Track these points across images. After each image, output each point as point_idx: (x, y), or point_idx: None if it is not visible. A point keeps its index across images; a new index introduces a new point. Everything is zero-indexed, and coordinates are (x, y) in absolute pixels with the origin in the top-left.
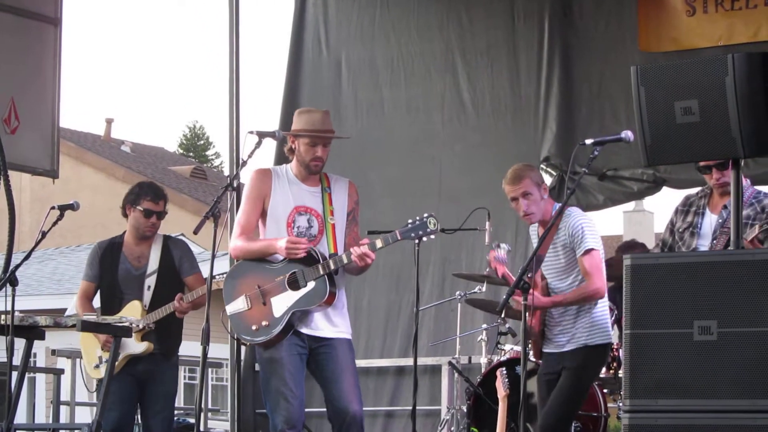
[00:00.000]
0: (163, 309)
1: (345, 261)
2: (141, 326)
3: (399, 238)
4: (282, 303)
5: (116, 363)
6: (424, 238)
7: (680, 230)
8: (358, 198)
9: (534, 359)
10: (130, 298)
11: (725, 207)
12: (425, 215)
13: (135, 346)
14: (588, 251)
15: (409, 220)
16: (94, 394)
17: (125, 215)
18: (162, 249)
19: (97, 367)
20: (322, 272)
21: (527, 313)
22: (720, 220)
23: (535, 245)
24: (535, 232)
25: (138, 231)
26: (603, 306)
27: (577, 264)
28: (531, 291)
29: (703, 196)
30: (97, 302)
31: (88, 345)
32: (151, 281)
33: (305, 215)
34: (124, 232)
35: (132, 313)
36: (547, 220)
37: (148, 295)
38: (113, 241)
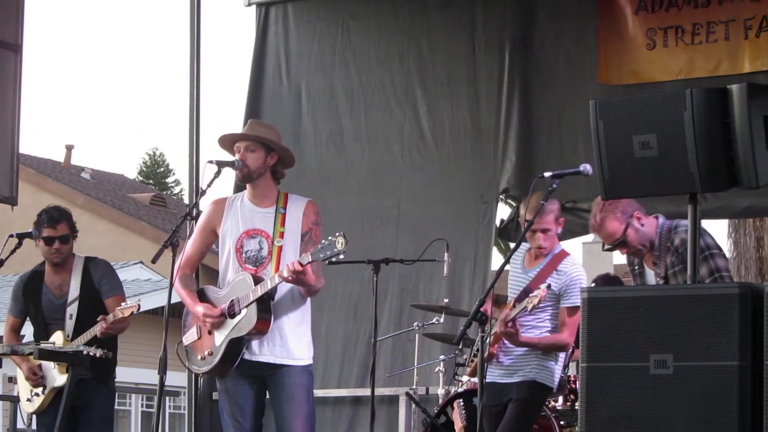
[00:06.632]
0: (86, 335)
1: (276, 281)
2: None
3: (310, 259)
4: (222, 332)
5: (44, 399)
6: (334, 258)
7: None
8: (316, 218)
9: (468, 376)
10: (54, 328)
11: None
12: (336, 234)
13: (58, 378)
14: (576, 308)
15: (323, 240)
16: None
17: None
18: (82, 274)
19: (29, 400)
20: (252, 299)
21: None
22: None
23: (517, 271)
24: (521, 257)
25: (47, 260)
26: (557, 355)
27: (551, 307)
28: (516, 328)
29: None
30: None
31: (23, 378)
32: (72, 309)
33: (256, 238)
34: (45, 261)
35: (56, 343)
36: (542, 253)
37: (70, 324)
38: (35, 271)
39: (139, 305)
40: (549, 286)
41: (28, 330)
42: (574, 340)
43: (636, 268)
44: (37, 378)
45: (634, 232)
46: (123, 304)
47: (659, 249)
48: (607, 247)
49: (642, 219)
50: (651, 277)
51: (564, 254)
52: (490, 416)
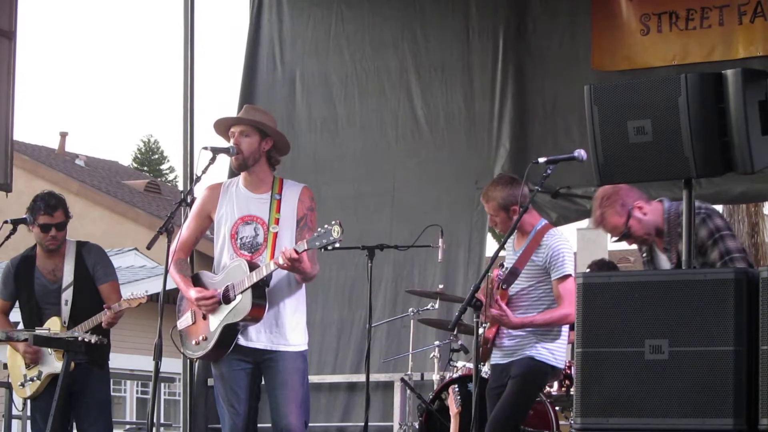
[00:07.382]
0: (88, 323)
1: (272, 268)
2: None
3: (306, 247)
4: (217, 317)
5: (40, 384)
6: (329, 247)
7: None
8: (312, 204)
9: (482, 362)
10: (49, 314)
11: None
12: (332, 222)
13: (55, 364)
14: (565, 277)
15: (319, 228)
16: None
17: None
18: (76, 259)
19: (22, 386)
20: (247, 285)
21: (486, 324)
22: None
23: (509, 253)
24: (512, 239)
25: (42, 247)
26: (558, 331)
27: (543, 283)
28: (504, 309)
29: None
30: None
31: (14, 363)
32: (67, 295)
33: (251, 224)
34: (35, 245)
35: (52, 329)
36: (526, 231)
37: (66, 310)
38: (25, 256)
39: (146, 296)
40: (501, 265)
41: (15, 317)
42: (573, 310)
43: (645, 255)
44: (33, 352)
45: (637, 223)
46: (131, 294)
47: (669, 234)
48: (614, 239)
49: (644, 208)
50: (664, 261)
51: (546, 228)
52: (494, 397)
